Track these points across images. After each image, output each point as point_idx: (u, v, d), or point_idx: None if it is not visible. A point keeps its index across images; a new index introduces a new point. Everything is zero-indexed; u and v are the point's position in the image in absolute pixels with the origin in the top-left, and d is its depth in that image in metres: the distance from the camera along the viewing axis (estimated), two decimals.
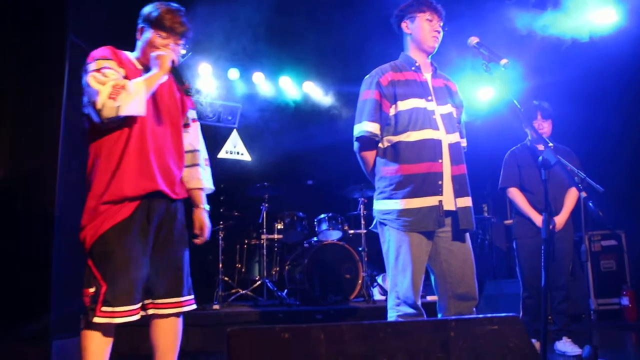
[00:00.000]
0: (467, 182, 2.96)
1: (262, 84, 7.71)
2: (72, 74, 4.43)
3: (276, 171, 7.48)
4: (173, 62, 2.65)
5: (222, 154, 7.46)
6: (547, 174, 2.87)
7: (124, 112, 2.44)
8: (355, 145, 3.02)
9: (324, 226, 6.72)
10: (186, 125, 2.95)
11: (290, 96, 7.93)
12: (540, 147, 4.54)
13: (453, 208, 2.86)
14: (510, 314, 1.33)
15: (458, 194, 2.88)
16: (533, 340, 4.26)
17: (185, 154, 2.90)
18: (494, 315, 1.30)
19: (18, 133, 4.33)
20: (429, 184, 2.82)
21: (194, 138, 3.00)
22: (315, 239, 6.76)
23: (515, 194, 4.51)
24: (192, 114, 2.99)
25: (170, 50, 2.69)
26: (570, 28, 5.10)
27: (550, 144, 2.92)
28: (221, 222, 6.38)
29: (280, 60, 7.05)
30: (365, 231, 6.57)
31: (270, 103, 7.79)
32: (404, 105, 2.89)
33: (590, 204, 2.87)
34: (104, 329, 2.51)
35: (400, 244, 2.82)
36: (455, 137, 2.95)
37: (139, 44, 2.75)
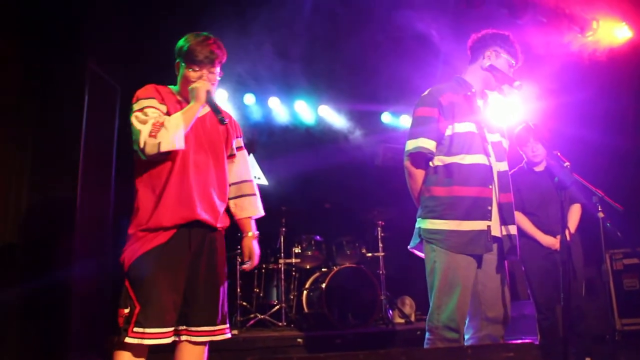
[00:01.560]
0: (513, 210, 2.98)
1: (278, 109, 7.77)
2: (91, 101, 4.51)
3: (293, 195, 7.49)
4: (208, 92, 2.72)
5: None
6: (563, 195, 2.88)
7: (164, 149, 2.54)
8: (407, 160, 3.00)
9: (342, 250, 6.72)
10: (232, 156, 2.99)
11: (305, 120, 7.98)
12: (538, 168, 4.54)
13: (498, 234, 2.89)
14: (527, 341, 1.32)
15: (504, 221, 2.91)
16: None
17: (231, 185, 2.97)
18: (510, 342, 1.29)
19: (38, 159, 4.41)
20: (479, 208, 2.84)
21: (240, 168, 3.05)
22: (333, 262, 6.74)
23: (519, 217, 4.49)
24: (238, 142, 3.04)
25: (204, 81, 2.74)
26: (586, 46, 5.10)
27: (567, 164, 2.92)
28: (238, 247, 6.39)
29: (295, 84, 7.11)
30: (383, 254, 6.55)
31: (286, 127, 7.84)
32: (461, 127, 2.91)
33: (608, 224, 2.85)
34: (136, 350, 2.56)
35: (448, 265, 2.81)
36: (503, 166, 2.99)
37: (178, 79, 2.83)
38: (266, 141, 7.78)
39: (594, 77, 5.40)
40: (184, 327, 2.67)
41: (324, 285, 5.98)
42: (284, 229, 6.67)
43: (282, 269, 6.49)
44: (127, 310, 2.53)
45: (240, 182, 3.03)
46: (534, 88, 5.28)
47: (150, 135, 2.52)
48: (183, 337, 2.66)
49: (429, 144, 2.91)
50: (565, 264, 2.86)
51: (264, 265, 6.79)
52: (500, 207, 2.91)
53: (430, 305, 2.88)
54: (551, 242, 4.32)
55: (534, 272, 4.44)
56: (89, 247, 4.44)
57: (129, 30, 5.27)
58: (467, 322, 2.90)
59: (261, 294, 6.74)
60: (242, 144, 3.10)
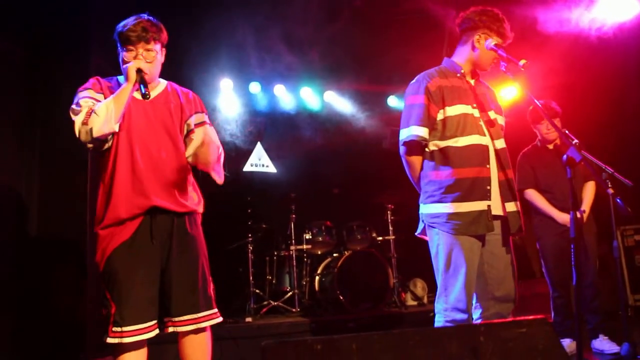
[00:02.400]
0: (514, 186, 2.99)
1: (284, 96, 7.77)
2: None
3: (302, 182, 7.50)
4: (139, 70, 2.66)
5: (247, 167, 7.52)
6: (571, 172, 2.88)
7: (97, 134, 2.53)
8: (402, 149, 3.04)
9: (352, 234, 6.74)
10: (190, 132, 2.90)
11: (312, 106, 7.97)
12: (550, 146, 4.53)
13: (501, 213, 2.90)
14: (538, 316, 1.34)
15: (506, 198, 2.93)
16: (569, 341, 4.23)
17: (195, 154, 2.82)
18: (522, 318, 1.31)
19: (46, 156, 4.44)
20: (478, 189, 2.85)
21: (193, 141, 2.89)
22: (343, 247, 6.77)
23: (534, 195, 4.51)
24: (198, 118, 2.93)
25: (137, 60, 2.70)
26: (592, 23, 5.05)
27: (575, 141, 2.92)
28: (250, 235, 6.42)
29: (300, 71, 7.09)
30: (393, 237, 6.57)
31: (292, 114, 7.84)
32: (452, 110, 2.93)
33: (618, 200, 2.85)
34: (131, 346, 2.57)
35: (452, 248, 2.84)
36: (501, 143, 2.99)
37: (121, 65, 2.80)
38: (273, 129, 7.78)
39: (601, 54, 5.35)
40: (168, 319, 2.68)
41: (335, 270, 6.01)
42: (293, 216, 6.70)
43: (294, 255, 6.53)
44: (105, 311, 2.56)
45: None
46: (541, 67, 5.26)
47: (82, 123, 2.52)
48: (170, 329, 2.68)
49: (420, 131, 2.93)
50: (576, 241, 2.86)
51: (275, 253, 6.83)
52: (501, 184, 2.92)
53: (438, 288, 2.92)
54: (566, 219, 4.31)
55: (548, 250, 4.45)
56: None
57: None
58: (474, 302, 2.93)
59: (274, 281, 6.79)
60: (205, 119, 2.96)
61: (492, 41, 2.98)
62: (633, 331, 5.18)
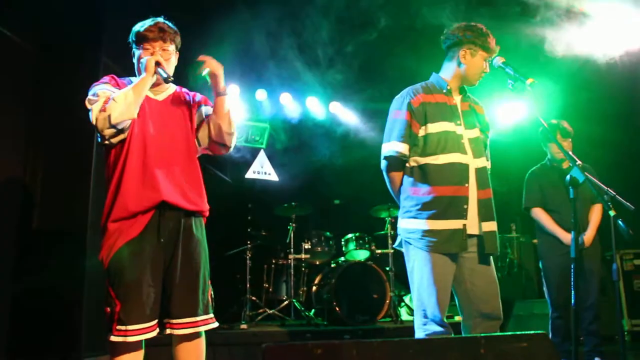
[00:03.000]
0: (493, 206, 2.98)
1: (289, 105, 7.79)
2: None
3: (303, 191, 7.51)
4: (158, 63, 2.69)
5: (249, 174, 7.53)
6: (576, 192, 2.88)
7: (115, 120, 2.52)
8: (383, 163, 3.06)
9: (351, 246, 6.73)
10: (202, 122, 2.91)
11: (317, 116, 8.00)
12: (563, 165, 4.53)
13: (477, 232, 2.89)
14: (539, 332, 1.33)
15: (484, 218, 2.91)
16: None
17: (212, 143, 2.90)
18: (523, 332, 1.31)
19: (52, 153, 4.46)
20: (454, 207, 2.84)
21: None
22: (342, 258, 6.76)
23: (540, 214, 4.51)
24: (207, 110, 2.96)
25: (155, 55, 2.74)
26: (600, 45, 5.07)
27: (579, 162, 2.92)
28: (249, 242, 6.42)
29: (306, 80, 7.12)
30: (392, 251, 6.56)
31: (297, 123, 7.86)
32: (433, 127, 2.92)
33: (620, 222, 2.85)
34: (131, 346, 2.56)
35: (425, 264, 2.84)
36: (482, 162, 2.97)
37: (135, 66, 2.83)
38: (277, 137, 7.80)
39: (608, 75, 5.37)
40: (167, 320, 2.65)
41: (333, 281, 6.00)
42: (294, 225, 6.70)
43: (292, 264, 6.53)
44: (109, 309, 2.53)
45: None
46: (547, 86, 5.28)
47: (100, 111, 2.51)
48: (167, 331, 2.65)
49: (400, 147, 2.94)
50: (577, 262, 2.85)
51: (273, 261, 6.83)
52: (480, 203, 2.90)
53: (414, 303, 2.92)
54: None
55: (552, 270, 4.43)
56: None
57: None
58: (462, 322, 2.94)
59: (270, 289, 6.78)
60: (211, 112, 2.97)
61: (499, 59, 2.99)
62: (629, 356, 5.17)
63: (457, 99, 3.06)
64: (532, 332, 1.35)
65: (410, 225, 2.92)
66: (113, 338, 2.50)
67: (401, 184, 3.03)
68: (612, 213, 2.97)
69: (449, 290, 2.85)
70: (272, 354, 1.13)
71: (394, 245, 3.14)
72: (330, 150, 7.69)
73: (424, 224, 2.85)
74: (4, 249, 4.18)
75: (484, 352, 1.25)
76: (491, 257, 2.96)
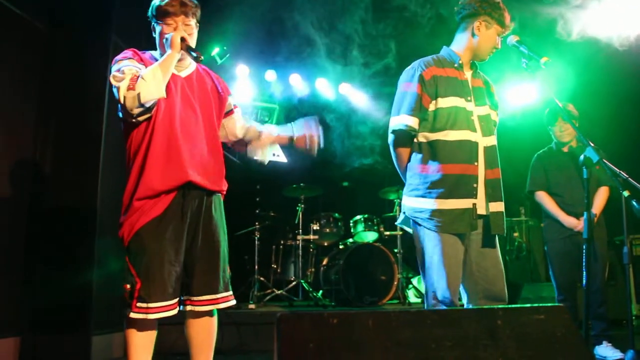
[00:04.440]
0: (501, 186, 2.91)
1: (299, 86, 7.75)
2: None
3: (312, 172, 7.50)
4: (184, 39, 2.67)
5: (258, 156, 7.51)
6: (587, 173, 2.85)
7: (145, 99, 2.49)
8: (390, 137, 2.97)
9: (360, 227, 6.73)
10: (229, 112, 2.98)
11: (326, 97, 7.96)
12: (565, 149, 4.50)
13: (485, 212, 2.83)
14: (557, 304, 1.32)
15: (491, 198, 2.85)
16: None
17: (237, 140, 3.05)
18: (541, 305, 1.30)
19: (62, 131, 4.46)
20: (464, 186, 2.79)
21: (242, 121, 3.06)
22: (350, 240, 6.77)
23: (544, 197, 4.50)
24: (232, 99, 3.01)
25: (179, 30, 2.71)
26: (612, 28, 5.01)
27: (592, 144, 2.88)
28: (257, 223, 6.43)
29: (316, 61, 7.08)
30: (401, 233, 6.55)
31: (306, 104, 7.83)
32: (444, 102, 2.84)
33: (634, 202, 2.82)
34: (144, 324, 2.56)
35: (435, 244, 2.77)
36: (491, 140, 2.91)
37: (156, 41, 2.80)
38: (286, 118, 7.78)
39: (622, 59, 5.30)
40: (187, 297, 2.66)
41: (341, 262, 6.01)
42: (302, 206, 6.70)
43: (300, 245, 6.54)
44: (129, 286, 2.52)
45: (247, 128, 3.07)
46: (561, 67, 5.22)
47: (128, 89, 2.47)
48: (188, 307, 2.66)
49: (410, 121, 2.85)
50: (588, 244, 2.83)
51: (281, 242, 6.84)
52: (488, 183, 2.84)
53: (424, 284, 2.87)
54: (574, 223, 4.29)
55: (556, 253, 4.44)
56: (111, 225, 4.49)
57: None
58: (465, 303, 2.90)
59: (278, 270, 6.80)
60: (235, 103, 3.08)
61: (513, 38, 2.95)
62: (637, 340, 5.15)
63: (467, 74, 2.99)
64: (549, 304, 1.34)
65: (418, 205, 2.85)
66: (133, 315, 2.49)
67: (409, 160, 2.95)
68: (625, 193, 2.94)
69: (460, 270, 2.79)
70: (287, 322, 1.13)
71: (396, 223, 3.07)
72: (339, 132, 7.66)
73: (432, 203, 2.79)
74: (16, 227, 4.20)
75: (502, 323, 1.25)
76: (496, 239, 2.91)
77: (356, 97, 8.01)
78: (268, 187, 6.92)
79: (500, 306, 1.32)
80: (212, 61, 6.01)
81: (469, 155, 2.81)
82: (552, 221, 4.47)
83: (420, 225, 2.85)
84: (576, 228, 4.27)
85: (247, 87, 7.37)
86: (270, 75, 7.53)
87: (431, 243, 2.79)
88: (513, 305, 1.33)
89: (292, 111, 7.77)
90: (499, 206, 2.88)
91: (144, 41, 5.13)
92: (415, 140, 2.91)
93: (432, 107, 2.86)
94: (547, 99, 2.91)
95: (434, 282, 2.78)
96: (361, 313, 1.19)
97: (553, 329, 1.26)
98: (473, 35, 2.94)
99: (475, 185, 2.80)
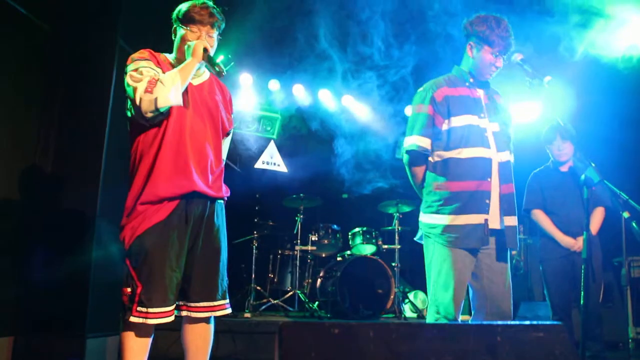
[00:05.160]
0: (515, 201, 2.95)
1: (302, 96, 7.78)
2: (119, 77, 4.57)
3: (312, 183, 7.52)
4: (206, 49, 2.68)
5: (258, 164, 7.54)
6: (587, 193, 2.86)
7: (161, 104, 2.49)
8: (405, 157, 3.04)
9: (358, 240, 6.73)
10: (227, 134, 2.96)
11: (329, 109, 7.98)
12: (563, 168, 4.49)
13: (499, 227, 2.86)
14: (556, 323, 1.33)
15: (506, 212, 2.88)
16: None
17: None
18: (540, 322, 1.30)
19: (65, 132, 4.47)
20: (476, 202, 2.82)
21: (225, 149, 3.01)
22: (348, 252, 6.77)
23: (540, 216, 4.49)
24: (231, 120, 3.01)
25: (202, 40, 2.72)
26: (616, 47, 5.03)
27: (593, 164, 2.90)
28: (255, 232, 6.43)
29: (319, 73, 7.11)
30: (399, 246, 6.55)
31: (308, 115, 7.85)
32: (457, 121, 2.90)
33: (634, 224, 2.83)
34: (142, 328, 2.55)
35: (444, 259, 2.82)
36: (505, 156, 2.94)
37: (175, 44, 2.81)
38: (287, 128, 7.80)
39: (622, 78, 5.33)
40: (184, 303, 2.66)
41: (338, 274, 6.00)
42: (301, 216, 6.70)
43: (298, 255, 6.53)
44: (129, 290, 2.52)
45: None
46: (563, 87, 5.24)
47: (146, 92, 2.47)
48: (184, 313, 2.66)
49: (422, 142, 2.93)
50: (587, 264, 2.83)
51: (279, 251, 6.84)
52: (502, 198, 2.88)
53: (429, 298, 2.91)
54: (570, 242, 4.29)
55: (551, 272, 4.42)
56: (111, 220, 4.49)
57: (158, 7, 5.29)
58: (472, 317, 2.92)
59: (275, 280, 6.79)
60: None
61: (517, 56, 2.97)
62: None
63: (480, 92, 3.03)
64: (548, 322, 1.34)
65: (431, 221, 2.91)
66: (133, 319, 2.49)
67: (424, 178, 3.02)
68: (625, 215, 2.95)
69: (465, 287, 2.83)
70: (289, 331, 1.13)
71: (414, 239, 3.11)
72: (340, 143, 7.68)
73: (445, 219, 2.84)
74: (13, 228, 4.20)
75: (501, 339, 1.25)
76: (508, 255, 2.94)
77: (358, 109, 8.04)
78: (268, 196, 6.93)
79: (499, 322, 1.32)
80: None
81: (482, 172, 2.85)
82: (548, 240, 4.45)
83: (431, 239, 2.90)
84: (573, 248, 4.27)
85: (250, 96, 7.39)
86: (274, 84, 7.55)
87: (441, 258, 2.84)
88: (512, 322, 1.33)
89: (294, 121, 7.79)
90: (512, 220, 2.91)
91: (148, 41, 5.17)
92: (430, 159, 2.98)
93: (445, 127, 2.92)
94: (548, 117, 2.91)
95: (439, 297, 2.82)
96: (362, 324, 1.19)
97: (552, 348, 1.26)
98: (469, 57, 3.02)
99: (487, 201, 2.83)
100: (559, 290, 4.34)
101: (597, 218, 4.41)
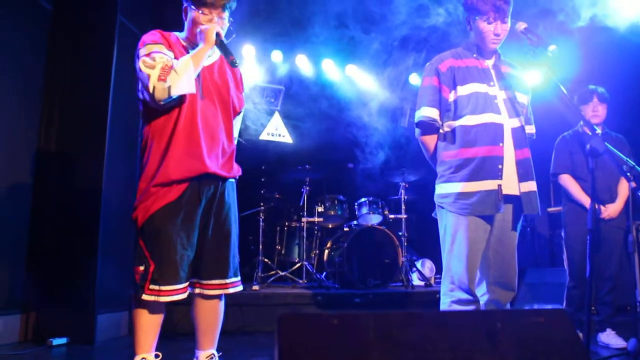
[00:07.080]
0: (532, 166, 2.92)
1: (305, 67, 7.71)
2: (120, 54, 4.54)
3: (317, 154, 7.50)
4: (218, 34, 2.65)
5: (263, 136, 7.52)
6: (595, 163, 2.84)
7: (175, 93, 2.50)
8: (417, 131, 3.05)
9: (365, 210, 6.73)
10: (237, 113, 2.94)
11: (332, 79, 7.92)
12: (596, 130, 4.42)
13: (516, 192, 2.84)
14: (557, 307, 1.32)
15: (523, 178, 2.86)
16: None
17: None
18: (541, 308, 1.30)
19: (67, 111, 4.47)
20: (488, 167, 2.80)
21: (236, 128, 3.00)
22: (355, 222, 6.78)
23: (568, 181, 4.39)
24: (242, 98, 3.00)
25: (214, 24, 2.69)
26: (625, 14, 4.93)
27: (598, 131, 2.87)
28: (262, 204, 6.44)
29: (323, 43, 7.03)
30: (405, 216, 6.56)
31: (312, 85, 7.79)
32: (463, 90, 2.90)
33: None
34: (154, 306, 2.59)
35: (457, 228, 2.82)
36: (517, 122, 2.91)
37: (186, 24, 2.78)
38: (291, 99, 7.75)
39: (625, 40, 5.23)
40: (197, 280, 2.69)
41: (345, 245, 6.02)
42: (307, 188, 6.70)
43: (305, 227, 6.55)
44: (142, 268, 2.54)
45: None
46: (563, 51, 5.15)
47: (159, 79, 2.46)
48: (196, 290, 2.69)
49: (431, 112, 2.93)
50: (598, 233, 2.82)
51: (286, 223, 6.86)
52: (518, 164, 2.86)
53: (443, 268, 2.91)
54: (600, 210, 4.23)
55: (574, 238, 4.35)
56: (115, 201, 4.51)
57: None
58: (478, 282, 2.92)
59: (283, 251, 6.82)
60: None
61: (521, 25, 2.93)
62: None
63: (489, 62, 3.02)
64: (549, 307, 1.34)
65: (443, 190, 2.91)
66: (145, 297, 2.51)
67: (436, 149, 3.02)
68: (632, 184, 2.92)
69: (480, 255, 2.82)
70: (287, 323, 1.13)
71: (432, 214, 3.09)
72: (345, 114, 7.64)
73: (457, 187, 2.83)
74: (23, 206, 4.23)
75: (501, 326, 1.24)
76: (519, 224, 2.93)
77: (362, 78, 7.96)
78: (273, 168, 6.92)
79: (499, 309, 1.31)
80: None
81: (493, 137, 2.83)
82: (574, 206, 4.35)
83: (445, 209, 2.90)
84: (601, 215, 4.22)
85: (253, 67, 7.33)
86: (277, 56, 7.48)
87: (454, 227, 2.84)
88: (512, 309, 1.33)
89: (298, 92, 7.74)
90: (531, 185, 2.89)
91: (150, 21, 5.13)
92: (440, 131, 2.98)
93: (452, 97, 2.93)
94: (555, 85, 2.85)
95: (453, 267, 2.82)
96: (362, 314, 1.19)
97: (553, 333, 1.26)
98: (470, 30, 3.04)
99: (500, 166, 2.81)
100: (583, 257, 4.28)
101: (624, 187, 4.29)
